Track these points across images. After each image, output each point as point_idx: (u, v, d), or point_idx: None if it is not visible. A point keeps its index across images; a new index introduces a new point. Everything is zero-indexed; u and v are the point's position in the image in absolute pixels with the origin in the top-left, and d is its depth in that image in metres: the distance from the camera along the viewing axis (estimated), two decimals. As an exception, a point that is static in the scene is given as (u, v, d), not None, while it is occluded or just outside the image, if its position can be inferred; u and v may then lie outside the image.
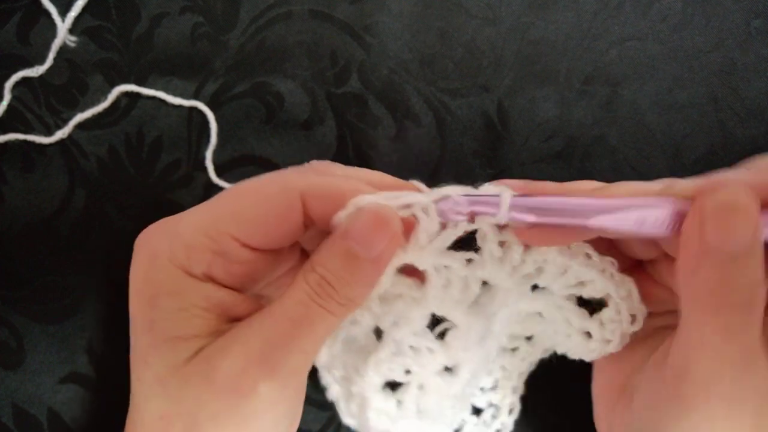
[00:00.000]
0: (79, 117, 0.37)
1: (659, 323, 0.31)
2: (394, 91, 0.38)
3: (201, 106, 0.38)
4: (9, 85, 0.38)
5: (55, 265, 0.38)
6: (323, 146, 0.38)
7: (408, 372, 0.32)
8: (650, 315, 0.31)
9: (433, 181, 0.38)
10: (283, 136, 0.38)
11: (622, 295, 0.30)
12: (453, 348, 0.32)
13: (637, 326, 0.30)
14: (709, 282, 0.22)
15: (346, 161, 0.38)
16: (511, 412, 0.38)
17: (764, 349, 0.23)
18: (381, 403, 0.32)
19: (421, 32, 0.39)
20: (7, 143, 0.38)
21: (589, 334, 0.32)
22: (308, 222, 0.28)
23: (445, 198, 0.27)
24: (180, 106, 0.38)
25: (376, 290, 0.29)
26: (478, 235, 0.29)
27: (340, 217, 0.27)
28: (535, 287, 0.32)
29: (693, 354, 0.24)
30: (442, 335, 0.32)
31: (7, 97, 0.38)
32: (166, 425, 0.26)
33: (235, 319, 0.27)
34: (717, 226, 0.22)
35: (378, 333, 0.31)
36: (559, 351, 0.35)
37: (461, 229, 0.28)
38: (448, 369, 0.33)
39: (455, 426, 0.37)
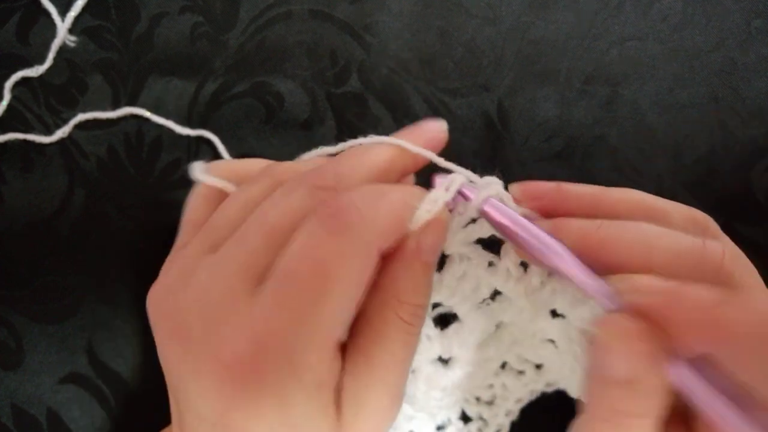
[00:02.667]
0: (81, 117, 0.37)
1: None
2: (394, 91, 0.38)
3: (208, 134, 0.38)
4: (9, 84, 0.38)
5: (55, 265, 0.38)
6: (323, 146, 0.38)
7: None
8: None
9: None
10: (283, 136, 0.38)
11: None
12: (451, 341, 0.32)
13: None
14: (588, 393, 0.24)
15: (346, 161, 0.38)
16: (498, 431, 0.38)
17: None
18: None
19: (421, 32, 0.39)
20: (6, 143, 0.38)
21: None
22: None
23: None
24: (180, 107, 0.38)
25: None
26: (502, 249, 0.29)
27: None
28: (555, 313, 0.32)
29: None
30: (441, 326, 0.32)
31: (7, 96, 0.38)
32: None
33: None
34: (596, 352, 0.24)
35: None
36: (562, 386, 0.35)
37: (488, 230, 0.28)
38: (442, 360, 0.33)
39: (439, 422, 0.37)
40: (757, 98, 0.38)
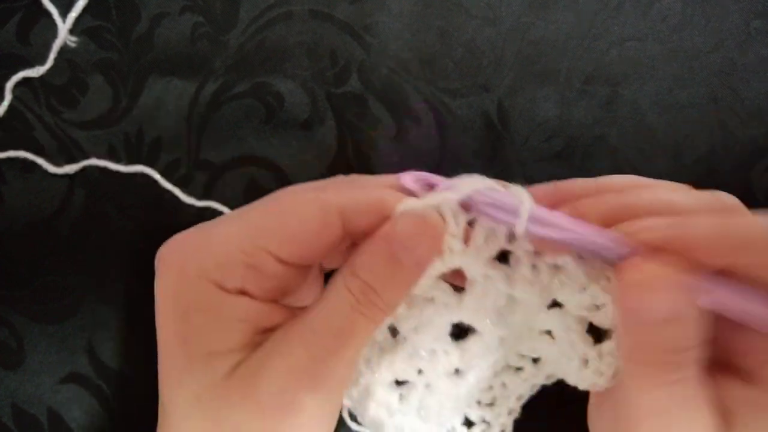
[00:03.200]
0: (93, 162, 0.38)
1: None
2: (394, 91, 0.38)
3: (215, 205, 0.38)
4: (10, 85, 0.38)
5: (55, 265, 0.38)
6: (323, 146, 0.38)
7: (420, 372, 0.32)
8: None
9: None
10: (283, 136, 0.38)
11: None
12: (470, 354, 0.32)
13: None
14: (631, 338, 0.25)
15: (346, 161, 0.38)
16: None
17: (701, 404, 0.24)
18: (384, 396, 0.32)
19: (421, 32, 0.39)
20: (6, 143, 0.38)
21: (586, 362, 0.31)
22: (346, 237, 0.27)
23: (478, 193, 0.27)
24: (180, 107, 0.38)
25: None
26: (511, 259, 0.29)
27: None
28: (552, 305, 0.32)
29: (624, 401, 0.26)
30: (456, 337, 0.32)
31: (8, 97, 0.38)
32: None
33: (267, 330, 0.27)
34: (631, 300, 0.24)
35: (393, 330, 0.31)
36: (560, 376, 0.35)
37: (496, 246, 0.28)
38: (457, 371, 0.33)
39: (444, 430, 0.37)
40: (756, 99, 0.39)
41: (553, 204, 0.27)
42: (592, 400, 0.33)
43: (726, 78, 0.39)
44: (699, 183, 0.38)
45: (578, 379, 0.31)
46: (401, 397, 0.33)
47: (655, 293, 0.23)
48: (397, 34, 0.39)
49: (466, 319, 0.31)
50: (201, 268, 0.26)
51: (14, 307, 0.38)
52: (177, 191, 0.38)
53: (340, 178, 0.31)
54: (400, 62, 0.38)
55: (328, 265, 0.33)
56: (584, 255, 0.27)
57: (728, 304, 0.24)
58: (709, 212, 0.24)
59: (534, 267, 0.29)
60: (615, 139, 0.38)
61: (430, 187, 0.27)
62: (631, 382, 0.25)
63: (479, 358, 0.32)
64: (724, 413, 0.25)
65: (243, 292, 0.26)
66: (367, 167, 0.38)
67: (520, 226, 0.26)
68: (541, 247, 0.28)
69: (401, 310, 0.29)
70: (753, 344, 0.25)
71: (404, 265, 0.26)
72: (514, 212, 0.26)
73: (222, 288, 0.26)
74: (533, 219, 0.26)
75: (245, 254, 0.26)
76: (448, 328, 0.31)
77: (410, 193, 0.28)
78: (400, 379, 0.32)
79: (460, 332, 0.32)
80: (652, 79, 0.39)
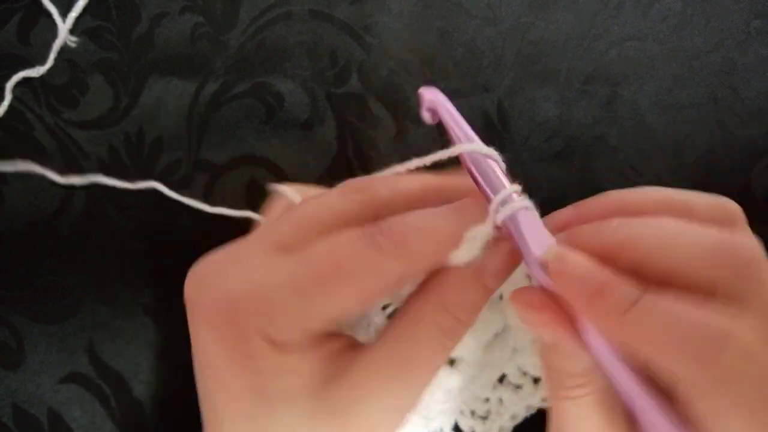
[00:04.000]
0: (101, 179, 0.37)
1: None
2: (394, 91, 0.38)
3: (227, 211, 0.38)
4: (10, 85, 0.38)
5: (55, 265, 0.38)
6: (323, 146, 0.38)
7: None
8: None
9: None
10: (283, 136, 0.38)
11: None
12: (463, 342, 0.32)
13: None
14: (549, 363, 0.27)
15: (346, 161, 0.38)
16: None
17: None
18: None
19: (421, 32, 0.39)
20: (6, 143, 0.38)
21: None
22: None
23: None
24: (180, 107, 0.38)
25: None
26: (501, 305, 0.29)
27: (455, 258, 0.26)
28: None
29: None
30: None
31: (8, 97, 0.38)
32: None
33: (333, 352, 0.26)
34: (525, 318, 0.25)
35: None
36: None
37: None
38: (450, 361, 0.33)
39: (432, 429, 0.37)
40: (756, 98, 0.39)
41: (569, 225, 0.27)
42: None
43: (726, 78, 0.39)
44: (698, 183, 0.38)
45: None
46: None
47: (536, 322, 0.25)
48: (397, 34, 0.39)
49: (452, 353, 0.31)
50: (261, 331, 0.24)
51: (14, 307, 0.38)
52: (190, 201, 0.38)
53: (360, 191, 0.28)
54: (400, 62, 0.39)
55: None
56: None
57: (602, 355, 0.24)
58: (626, 285, 0.24)
59: (529, 279, 0.29)
60: (615, 139, 0.38)
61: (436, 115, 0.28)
62: (559, 404, 0.27)
63: (472, 349, 0.32)
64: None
65: (300, 344, 0.25)
66: (367, 167, 0.38)
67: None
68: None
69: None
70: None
71: (491, 292, 0.26)
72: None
73: (278, 348, 0.25)
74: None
75: (304, 321, 0.25)
76: None
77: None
78: None
79: None
80: (652, 79, 0.39)
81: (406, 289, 0.28)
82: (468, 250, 0.26)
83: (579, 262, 0.24)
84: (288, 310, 0.24)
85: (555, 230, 0.26)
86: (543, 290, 0.24)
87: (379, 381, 0.25)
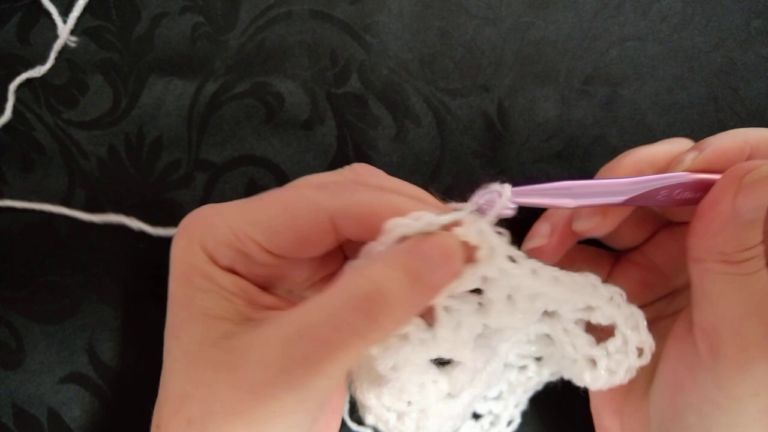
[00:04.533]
0: (117, 219, 0.38)
1: (652, 315, 0.32)
2: (394, 91, 0.38)
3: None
4: (13, 87, 0.38)
5: (55, 265, 0.38)
6: (323, 146, 0.38)
7: (410, 403, 0.31)
8: (644, 307, 0.31)
9: (433, 182, 0.38)
10: (283, 136, 0.38)
11: (629, 326, 0.29)
12: (458, 380, 0.31)
13: (644, 360, 0.30)
14: (729, 241, 0.27)
15: (346, 161, 0.38)
16: (509, 423, 0.38)
17: None
18: (381, 413, 0.31)
19: (421, 32, 0.39)
20: (6, 143, 0.38)
21: (593, 362, 0.31)
22: (342, 238, 0.28)
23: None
24: (180, 107, 0.38)
25: None
26: (483, 299, 0.28)
27: (377, 244, 0.26)
28: (545, 314, 0.32)
29: (720, 305, 0.27)
30: (443, 362, 0.31)
31: (11, 99, 0.38)
32: (180, 405, 0.25)
33: (266, 308, 0.28)
34: (750, 197, 0.26)
35: None
36: (566, 376, 0.34)
37: (472, 283, 0.27)
38: (449, 395, 0.33)
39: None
40: (756, 98, 0.39)
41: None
42: (606, 402, 0.33)
43: (726, 77, 0.39)
44: (699, 183, 0.38)
45: (589, 380, 0.31)
46: (398, 416, 0.32)
47: (763, 191, 0.26)
48: (397, 34, 0.39)
49: (445, 354, 0.30)
50: (202, 240, 0.28)
51: (14, 307, 0.38)
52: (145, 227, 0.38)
53: (351, 172, 0.31)
54: (400, 62, 0.38)
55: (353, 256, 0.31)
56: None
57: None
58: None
59: (509, 298, 0.28)
60: (615, 139, 0.38)
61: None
62: (719, 286, 0.27)
63: (469, 383, 0.31)
64: None
65: (233, 271, 0.28)
66: (367, 167, 0.38)
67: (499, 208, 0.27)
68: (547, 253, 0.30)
69: (375, 351, 0.28)
70: None
71: (422, 281, 0.25)
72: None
73: (215, 262, 0.28)
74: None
75: (235, 238, 0.27)
76: (428, 364, 0.30)
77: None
78: (390, 410, 0.31)
79: (446, 360, 0.31)
80: (652, 79, 0.39)
81: None
82: (407, 221, 0.26)
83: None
84: (223, 224, 0.27)
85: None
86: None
87: (274, 340, 0.24)
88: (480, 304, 0.28)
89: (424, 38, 0.39)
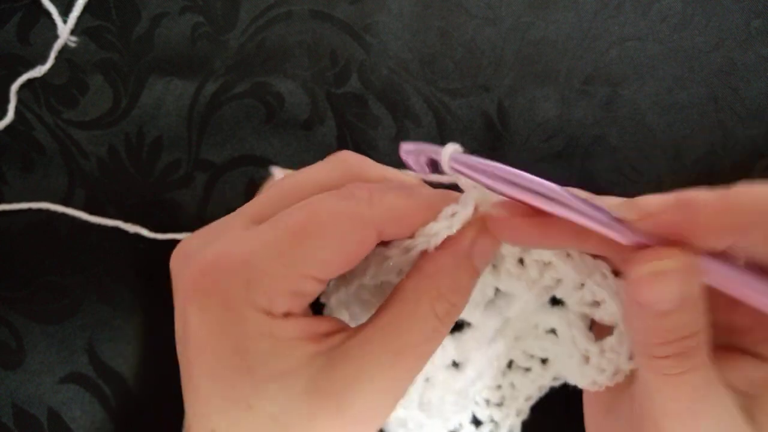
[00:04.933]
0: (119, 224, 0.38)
1: None
2: (394, 91, 0.38)
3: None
4: (15, 87, 0.38)
5: (55, 265, 0.38)
6: (323, 146, 0.38)
7: None
8: None
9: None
10: (283, 136, 0.38)
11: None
12: (467, 346, 0.32)
13: (634, 364, 0.29)
14: (642, 333, 0.24)
15: (346, 161, 0.38)
16: None
17: (720, 386, 0.24)
18: None
19: (421, 32, 0.39)
20: (6, 143, 0.38)
21: (587, 359, 0.31)
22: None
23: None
24: (180, 107, 0.38)
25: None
26: (496, 260, 0.29)
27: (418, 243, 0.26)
28: (554, 302, 0.32)
29: (645, 396, 0.25)
30: (452, 330, 0.32)
31: (14, 100, 0.38)
32: None
33: (324, 335, 0.26)
34: (645, 289, 0.23)
35: None
36: (563, 375, 0.35)
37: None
38: (455, 364, 0.33)
39: (451, 427, 0.37)
40: (756, 98, 0.39)
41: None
42: (593, 405, 0.32)
43: (726, 77, 0.39)
44: (699, 183, 0.38)
45: (579, 376, 0.31)
46: None
47: (668, 282, 0.23)
48: (397, 34, 0.39)
49: None
50: (249, 299, 0.25)
51: (14, 307, 0.38)
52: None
53: (343, 163, 0.30)
54: (400, 62, 0.38)
55: None
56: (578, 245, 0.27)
57: (728, 283, 0.23)
58: (704, 189, 0.24)
59: (521, 262, 0.29)
60: (615, 139, 0.38)
61: (431, 162, 0.27)
62: (648, 378, 0.25)
63: (476, 350, 0.32)
64: (742, 396, 0.25)
65: (288, 314, 0.26)
66: (367, 167, 0.38)
67: (444, 165, 0.26)
68: (521, 239, 0.27)
69: None
70: (754, 321, 0.25)
71: (478, 274, 0.27)
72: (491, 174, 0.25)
73: (271, 315, 0.25)
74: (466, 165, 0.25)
75: (289, 282, 0.25)
76: None
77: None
78: None
79: (455, 325, 0.32)
80: (652, 79, 0.39)
81: (389, 270, 0.28)
82: (445, 223, 0.26)
83: (655, 199, 0.24)
84: (271, 273, 0.25)
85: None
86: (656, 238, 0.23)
87: (375, 365, 0.25)
88: (493, 266, 0.29)
89: (424, 38, 0.39)
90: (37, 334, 0.38)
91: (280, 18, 0.39)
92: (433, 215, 0.26)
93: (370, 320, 0.26)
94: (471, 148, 0.38)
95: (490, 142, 0.39)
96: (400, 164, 0.38)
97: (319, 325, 0.26)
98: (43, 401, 0.37)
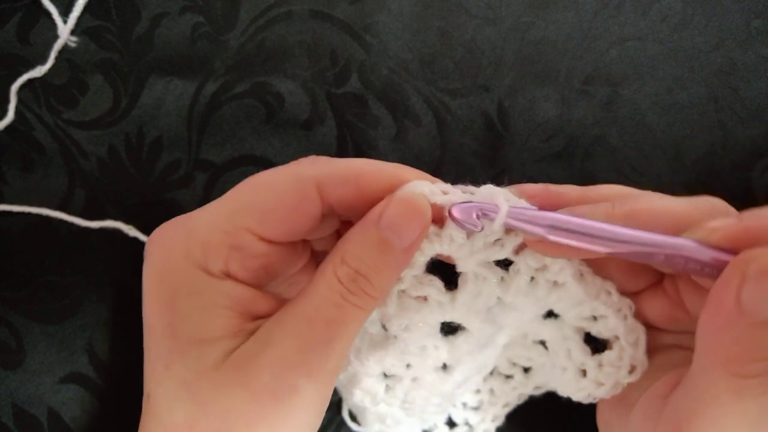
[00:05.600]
0: (117, 224, 0.38)
1: (670, 341, 0.30)
2: (394, 91, 0.38)
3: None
4: (15, 87, 0.38)
5: (55, 265, 0.38)
6: (323, 146, 0.38)
7: (408, 366, 0.32)
8: (662, 331, 0.30)
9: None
10: (283, 136, 0.38)
11: (629, 340, 0.29)
12: (459, 350, 0.32)
13: (633, 378, 0.29)
14: (735, 344, 0.22)
15: (346, 161, 0.38)
16: None
17: None
18: (371, 385, 0.32)
19: (421, 32, 0.39)
20: (6, 143, 0.38)
21: (584, 372, 0.31)
22: (326, 211, 0.27)
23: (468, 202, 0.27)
24: (180, 107, 0.38)
25: (397, 287, 0.28)
26: (511, 269, 0.29)
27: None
28: (548, 315, 0.32)
29: (701, 408, 0.23)
30: (446, 332, 0.32)
31: (14, 100, 0.38)
32: (189, 429, 0.25)
33: (256, 317, 0.27)
34: (758, 291, 0.21)
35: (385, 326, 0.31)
36: (551, 387, 0.35)
37: (505, 252, 0.28)
38: (444, 366, 0.33)
39: (426, 427, 0.37)
40: (756, 98, 0.39)
41: (543, 206, 0.27)
42: (608, 415, 0.32)
43: (726, 77, 0.39)
44: (699, 183, 0.38)
45: (574, 389, 0.31)
46: (388, 388, 0.33)
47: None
48: (397, 34, 0.39)
49: (457, 319, 0.31)
50: (186, 251, 0.26)
51: (14, 307, 0.38)
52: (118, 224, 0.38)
53: (314, 159, 0.30)
54: (400, 62, 0.38)
55: (319, 247, 0.33)
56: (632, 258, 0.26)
57: None
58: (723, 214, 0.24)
59: (533, 280, 0.29)
60: (615, 139, 0.38)
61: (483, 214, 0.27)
62: (712, 392, 0.23)
63: (468, 354, 0.32)
64: None
65: (228, 275, 0.27)
66: (367, 167, 0.38)
67: (497, 222, 0.26)
68: (564, 253, 0.27)
69: (392, 310, 0.29)
70: None
71: (394, 248, 0.26)
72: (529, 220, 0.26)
73: (207, 272, 0.26)
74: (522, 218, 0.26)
75: (226, 234, 0.26)
76: (438, 327, 0.31)
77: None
78: (388, 373, 0.32)
79: (450, 328, 0.32)
80: (653, 79, 0.39)
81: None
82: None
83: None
84: (209, 223, 0.26)
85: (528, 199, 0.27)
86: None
87: (281, 333, 0.25)
88: (502, 278, 0.29)
89: (424, 38, 0.39)
90: (37, 334, 0.38)
91: (280, 18, 0.39)
92: (391, 183, 0.27)
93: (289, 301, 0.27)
94: (471, 149, 0.38)
95: (490, 142, 0.39)
96: (400, 164, 0.38)
97: (256, 302, 0.27)
98: (43, 401, 0.37)
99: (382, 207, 0.26)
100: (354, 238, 0.26)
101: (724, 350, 0.22)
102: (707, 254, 0.23)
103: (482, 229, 0.26)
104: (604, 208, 0.26)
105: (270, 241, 0.27)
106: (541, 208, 0.27)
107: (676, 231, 0.24)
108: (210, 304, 0.26)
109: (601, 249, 0.24)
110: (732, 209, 0.26)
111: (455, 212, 0.26)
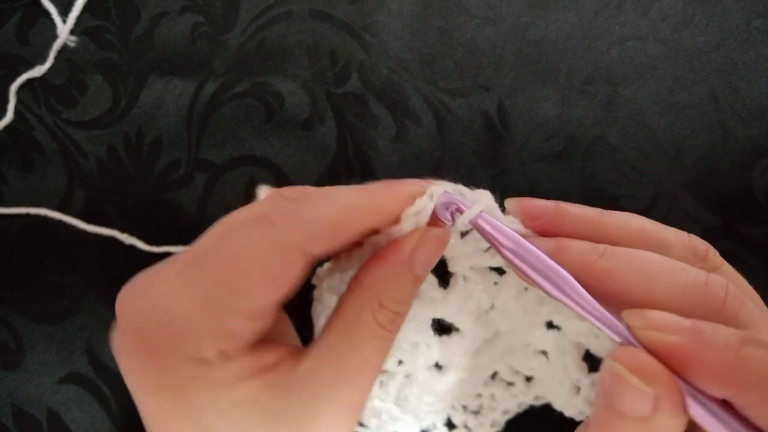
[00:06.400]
0: (115, 233, 0.37)
1: None
2: (394, 91, 0.38)
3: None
4: (14, 87, 0.38)
5: (55, 265, 0.38)
6: (323, 146, 0.38)
7: (400, 362, 0.32)
8: None
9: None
10: (283, 136, 0.38)
11: None
12: (451, 349, 0.32)
13: None
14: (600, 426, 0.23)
15: (346, 161, 0.38)
16: None
17: None
18: None
19: (421, 32, 0.39)
20: (6, 143, 0.38)
21: (578, 389, 0.31)
22: (312, 263, 0.26)
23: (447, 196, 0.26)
24: (180, 107, 0.38)
25: None
26: (503, 278, 0.29)
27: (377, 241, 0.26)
28: (550, 326, 0.32)
29: None
30: (440, 331, 0.32)
31: (13, 100, 0.38)
32: None
33: (272, 366, 0.25)
34: (616, 390, 0.22)
35: None
36: (549, 399, 0.35)
37: (498, 260, 0.28)
38: (438, 366, 0.33)
39: (424, 426, 0.37)
40: (757, 98, 0.38)
41: (545, 229, 0.26)
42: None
43: (727, 77, 0.39)
44: (699, 183, 0.38)
45: (566, 404, 0.31)
46: (381, 383, 0.33)
47: (637, 391, 0.22)
48: (397, 34, 0.39)
49: (449, 317, 0.31)
50: (175, 350, 0.24)
51: (14, 307, 0.38)
52: (76, 222, 0.38)
53: (285, 201, 0.26)
54: (400, 62, 0.38)
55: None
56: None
57: (711, 428, 0.22)
58: (724, 328, 0.22)
59: (526, 290, 0.29)
60: (615, 139, 0.38)
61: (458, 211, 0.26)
62: None
63: (460, 356, 0.32)
64: None
65: (226, 356, 0.25)
66: (367, 167, 0.38)
67: (466, 215, 0.26)
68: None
69: None
70: None
71: (421, 279, 0.26)
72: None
73: (203, 361, 0.24)
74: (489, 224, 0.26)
75: (215, 324, 0.24)
76: (430, 322, 0.31)
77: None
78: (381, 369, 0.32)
79: (444, 329, 0.32)
80: (653, 79, 0.39)
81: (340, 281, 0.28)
82: (414, 219, 0.26)
83: (661, 315, 0.23)
84: (193, 318, 0.24)
85: (528, 219, 0.26)
86: (653, 354, 0.22)
87: (332, 386, 0.25)
88: (495, 283, 0.29)
89: (424, 38, 0.39)
90: (37, 334, 0.38)
91: (280, 18, 0.38)
92: (378, 219, 0.26)
93: (317, 342, 0.26)
94: (471, 148, 0.38)
95: (491, 142, 0.38)
96: (400, 165, 0.38)
97: (263, 358, 0.25)
98: (43, 401, 0.37)
99: (411, 244, 0.26)
100: (388, 279, 0.26)
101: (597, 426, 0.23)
102: (627, 340, 0.23)
103: (453, 224, 0.26)
104: (584, 258, 0.25)
105: (260, 316, 0.25)
106: (541, 231, 0.26)
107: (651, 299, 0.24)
108: (222, 384, 0.24)
109: (549, 290, 0.24)
110: (713, 252, 0.26)
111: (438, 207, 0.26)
